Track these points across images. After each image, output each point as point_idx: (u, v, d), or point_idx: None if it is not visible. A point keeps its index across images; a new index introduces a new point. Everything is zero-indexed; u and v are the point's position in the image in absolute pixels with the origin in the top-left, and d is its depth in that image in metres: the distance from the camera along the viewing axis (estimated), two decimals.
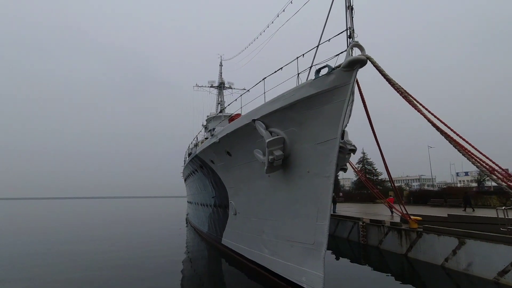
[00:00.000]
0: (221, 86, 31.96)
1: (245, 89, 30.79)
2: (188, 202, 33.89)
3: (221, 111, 27.74)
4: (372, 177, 47.62)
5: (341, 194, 47.84)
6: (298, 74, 7.67)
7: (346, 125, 9.00)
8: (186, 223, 30.48)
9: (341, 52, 6.44)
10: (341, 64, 6.24)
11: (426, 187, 66.33)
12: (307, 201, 7.85)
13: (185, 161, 24.14)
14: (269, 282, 9.11)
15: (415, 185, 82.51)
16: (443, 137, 5.45)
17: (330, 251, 14.82)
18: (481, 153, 5.44)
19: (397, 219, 15.38)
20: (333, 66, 6.50)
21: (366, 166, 50.00)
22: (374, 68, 6.35)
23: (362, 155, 50.76)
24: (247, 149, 9.79)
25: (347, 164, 9.38)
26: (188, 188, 30.62)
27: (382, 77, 5.99)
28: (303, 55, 7.39)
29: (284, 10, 11.21)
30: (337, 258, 13.50)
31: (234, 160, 11.26)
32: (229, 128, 10.43)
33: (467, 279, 9.50)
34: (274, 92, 8.26)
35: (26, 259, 13.42)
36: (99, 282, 9.72)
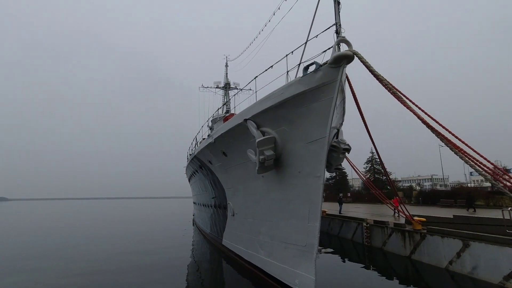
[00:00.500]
0: (226, 87, 31.90)
1: (250, 90, 30.72)
2: (193, 203, 34.08)
3: (227, 112, 27.73)
4: (381, 177, 46.71)
5: (349, 194, 47.14)
6: (288, 72, 7.51)
7: (341, 124, 8.77)
8: (193, 224, 30.61)
9: (328, 48, 6.26)
10: (328, 60, 6.06)
11: (438, 187, 64.50)
12: (299, 201, 7.68)
13: (187, 159, 24.28)
14: (265, 284, 8.98)
15: (427, 185, 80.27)
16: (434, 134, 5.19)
17: (336, 254, 14.58)
18: (474, 150, 5.14)
19: (402, 220, 14.95)
20: (321, 62, 6.32)
21: (374, 166, 49.09)
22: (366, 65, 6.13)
23: (370, 154, 49.92)
24: (242, 149, 9.68)
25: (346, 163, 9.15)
26: (192, 188, 30.80)
27: (370, 72, 5.76)
28: (292, 52, 7.24)
29: (279, 8, 11.07)
30: (343, 260, 13.20)
31: (230, 161, 11.17)
32: (223, 128, 10.34)
33: (473, 283, 9.10)
34: (269, 91, 8.11)
35: (45, 256, 13.75)
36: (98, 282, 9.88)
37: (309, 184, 7.28)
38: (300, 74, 6.90)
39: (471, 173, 71.37)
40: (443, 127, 5.26)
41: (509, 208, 9.16)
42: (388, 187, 44.37)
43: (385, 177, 47.53)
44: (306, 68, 6.59)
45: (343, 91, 6.98)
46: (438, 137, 5.13)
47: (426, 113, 5.42)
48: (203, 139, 15.50)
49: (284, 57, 7.44)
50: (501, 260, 8.61)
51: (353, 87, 7.45)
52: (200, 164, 15.36)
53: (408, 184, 66.94)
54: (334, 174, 60.99)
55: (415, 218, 12.96)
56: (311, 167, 7.21)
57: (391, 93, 5.54)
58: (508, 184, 4.99)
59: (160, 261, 13.01)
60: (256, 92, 8.57)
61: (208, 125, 29.67)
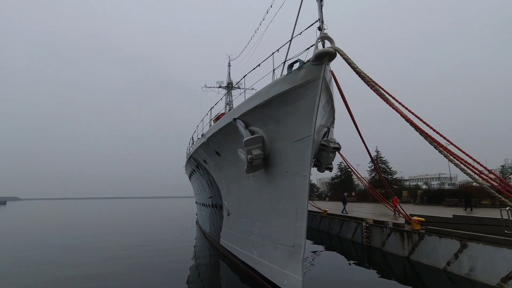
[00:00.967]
0: (229, 86, 31.87)
1: (253, 89, 30.62)
2: (195, 202, 34.27)
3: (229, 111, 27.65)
4: (386, 176, 46.11)
5: (353, 193, 46.71)
6: (274, 70, 7.42)
7: (332, 123, 8.64)
8: (196, 223, 30.71)
9: (312, 46, 6.14)
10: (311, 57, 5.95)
11: (447, 186, 63.29)
12: (287, 201, 7.61)
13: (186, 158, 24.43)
14: (258, 284, 8.92)
15: (435, 184, 78.86)
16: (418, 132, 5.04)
17: (337, 254, 14.44)
18: (458, 148, 4.98)
19: (402, 220, 14.67)
20: (304, 60, 6.21)
21: (379, 165, 48.47)
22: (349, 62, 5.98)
23: (375, 153, 49.32)
24: (233, 149, 9.63)
25: (345, 164, 8.99)
26: (193, 188, 30.95)
27: (352, 69, 5.62)
28: (278, 50, 7.14)
29: (271, 6, 10.97)
30: (342, 260, 13.02)
31: (223, 160, 11.13)
32: (214, 128, 10.32)
33: (470, 285, 8.86)
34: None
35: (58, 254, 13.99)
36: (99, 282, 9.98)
37: (296, 184, 7.19)
38: (285, 72, 6.81)
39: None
40: (428, 126, 5.12)
41: (507, 208, 8.87)
42: (395, 186, 43.85)
43: (390, 176, 46.97)
44: (291, 66, 6.50)
45: (328, 89, 6.84)
46: (422, 135, 4.98)
47: (410, 111, 5.28)
48: (198, 138, 15.53)
49: (271, 55, 7.35)
50: (499, 261, 8.35)
51: (340, 85, 7.30)
52: (197, 164, 15.38)
53: (415, 183, 65.83)
54: (339, 173, 60.61)
55: (414, 218, 12.69)
56: (297, 166, 7.11)
57: (373, 90, 5.39)
58: (495, 183, 4.81)
59: (160, 261, 13.03)
60: (245, 90, 8.52)
61: (210, 125, 29.71)
